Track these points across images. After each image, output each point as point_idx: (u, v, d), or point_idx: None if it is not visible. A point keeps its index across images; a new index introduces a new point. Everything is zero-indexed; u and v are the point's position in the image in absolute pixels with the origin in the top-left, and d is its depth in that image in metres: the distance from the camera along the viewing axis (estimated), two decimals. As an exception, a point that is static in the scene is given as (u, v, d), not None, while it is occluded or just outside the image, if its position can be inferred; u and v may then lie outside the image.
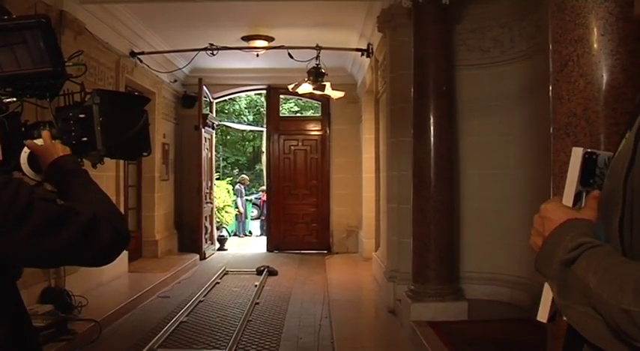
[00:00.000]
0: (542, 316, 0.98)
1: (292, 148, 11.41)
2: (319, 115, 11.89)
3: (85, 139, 1.50)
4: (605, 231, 0.95)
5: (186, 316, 6.14)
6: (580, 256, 0.88)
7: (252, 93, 16.95)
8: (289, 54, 7.90)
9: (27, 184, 1.22)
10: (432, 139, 5.27)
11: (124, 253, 7.20)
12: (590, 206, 0.98)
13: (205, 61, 9.00)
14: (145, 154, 1.65)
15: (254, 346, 5.19)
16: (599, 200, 0.98)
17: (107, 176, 6.97)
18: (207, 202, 10.44)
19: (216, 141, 13.07)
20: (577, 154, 0.99)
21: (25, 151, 1.43)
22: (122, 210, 7.06)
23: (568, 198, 1.00)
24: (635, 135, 0.92)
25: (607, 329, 0.82)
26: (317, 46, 7.81)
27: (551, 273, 0.93)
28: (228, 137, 23.87)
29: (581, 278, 0.86)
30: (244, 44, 8.34)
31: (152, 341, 5.09)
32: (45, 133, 1.45)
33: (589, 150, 1.00)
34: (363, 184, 9.83)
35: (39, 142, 1.44)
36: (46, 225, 1.18)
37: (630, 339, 0.79)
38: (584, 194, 1.00)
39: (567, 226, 0.95)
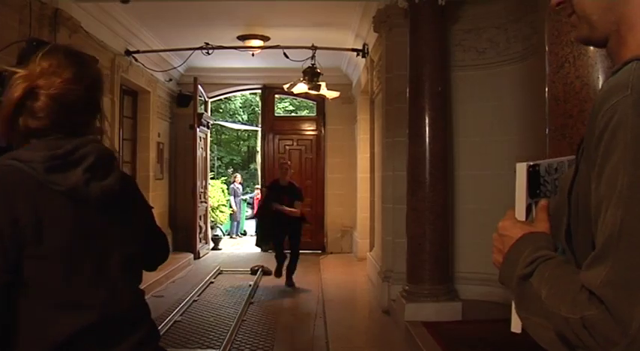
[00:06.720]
0: (516, 327, 1.02)
1: (287, 147, 11.39)
2: (314, 114, 11.89)
3: None
4: (558, 241, 1.00)
5: (181, 315, 6.12)
6: (536, 270, 0.92)
7: (248, 92, 16.94)
8: (285, 54, 7.89)
9: None
10: (427, 139, 5.27)
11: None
12: (542, 218, 1.03)
13: (201, 60, 8.97)
14: None
15: (248, 346, 5.18)
16: (548, 209, 1.03)
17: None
18: (201, 202, 10.41)
19: (211, 140, 13.08)
20: (521, 169, 1.03)
21: None
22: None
23: (520, 213, 1.04)
24: (577, 150, 0.98)
25: (558, 339, 0.86)
26: (312, 45, 7.81)
27: (512, 287, 0.97)
28: (223, 136, 23.87)
29: (535, 291, 0.90)
30: (240, 44, 8.32)
31: (146, 341, 5.07)
32: None
33: (531, 163, 1.04)
34: (358, 184, 9.82)
35: None
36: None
37: (573, 346, 0.83)
38: (534, 205, 1.04)
39: (524, 241, 0.99)
